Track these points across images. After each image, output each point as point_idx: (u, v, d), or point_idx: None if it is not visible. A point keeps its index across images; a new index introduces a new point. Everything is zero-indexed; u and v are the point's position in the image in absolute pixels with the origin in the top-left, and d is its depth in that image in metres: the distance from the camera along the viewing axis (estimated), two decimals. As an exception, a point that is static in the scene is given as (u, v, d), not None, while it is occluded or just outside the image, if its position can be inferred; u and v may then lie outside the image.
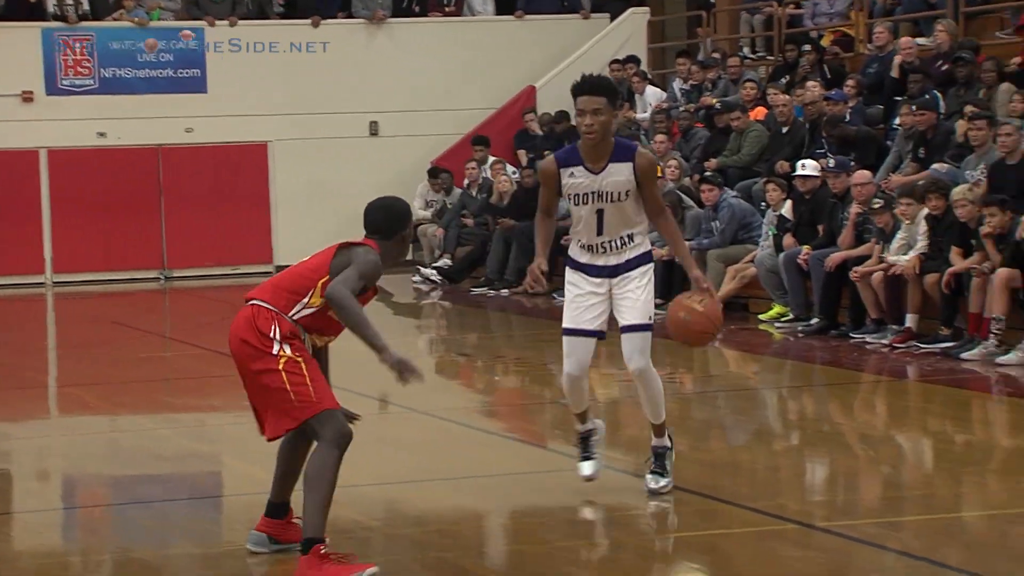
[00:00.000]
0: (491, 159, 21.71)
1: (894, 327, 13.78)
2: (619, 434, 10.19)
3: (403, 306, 20.25)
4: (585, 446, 8.09)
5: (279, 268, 23.18)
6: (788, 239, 15.44)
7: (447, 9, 24.17)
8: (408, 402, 11.16)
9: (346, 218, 23.03)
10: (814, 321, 14.77)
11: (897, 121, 16.39)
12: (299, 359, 6.56)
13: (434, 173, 22.61)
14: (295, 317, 6.64)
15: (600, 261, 7.78)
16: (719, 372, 13.88)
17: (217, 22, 23.04)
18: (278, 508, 7.03)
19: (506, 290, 19.48)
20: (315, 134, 23.08)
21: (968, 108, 15.04)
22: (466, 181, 21.95)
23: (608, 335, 7.87)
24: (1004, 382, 11.99)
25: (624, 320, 7.77)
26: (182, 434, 10.88)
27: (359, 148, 23.33)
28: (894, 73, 17.55)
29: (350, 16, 23.74)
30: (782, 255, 15.30)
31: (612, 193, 7.68)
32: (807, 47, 19.48)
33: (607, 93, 7.66)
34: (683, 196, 17.17)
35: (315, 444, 6.62)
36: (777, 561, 7.05)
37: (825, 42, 20.10)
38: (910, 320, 13.63)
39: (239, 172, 23.08)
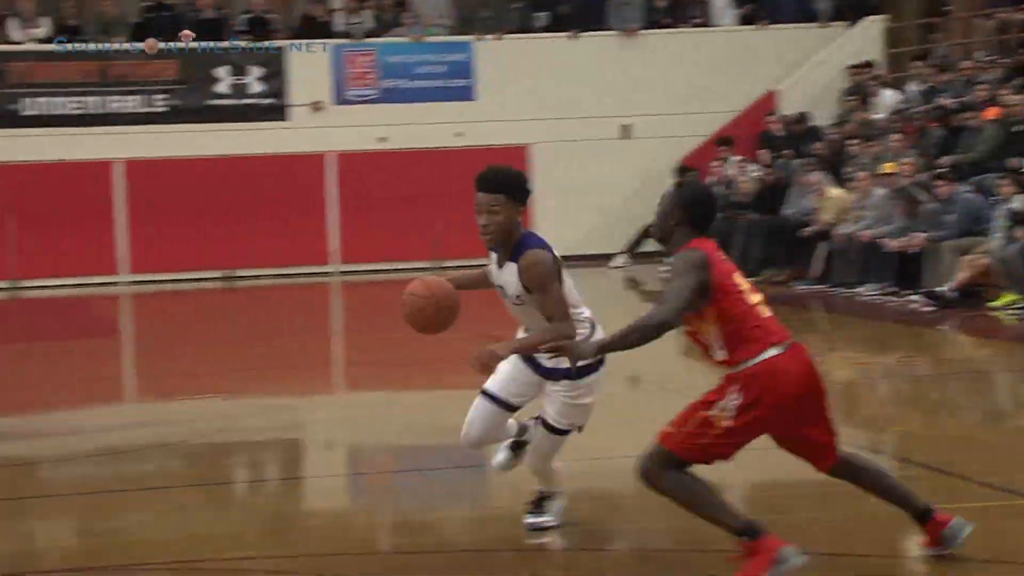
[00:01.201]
0: (734, 158, 21.44)
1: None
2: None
3: (650, 293, 20.23)
4: None
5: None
6: (1020, 231, 14.89)
7: (694, 21, 23.95)
8: (657, 381, 11.13)
9: (600, 212, 23.12)
10: (1044, 308, 14.28)
11: None
12: None
13: (681, 172, 22.45)
14: None
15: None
16: (952, 356, 13.49)
17: (486, 36, 23.24)
18: (921, 517, 6.30)
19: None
20: (572, 137, 23.11)
21: None
22: (711, 179, 21.74)
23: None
24: None
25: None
26: (456, 408, 10.97)
27: (612, 149, 23.28)
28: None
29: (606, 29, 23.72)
30: (1013, 246, 14.78)
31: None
32: (1039, 48, 18.79)
33: (505, 190, 6.37)
34: (919, 191, 16.82)
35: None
36: (1005, 536, 6.78)
37: (1057, 44, 19.35)
38: None
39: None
